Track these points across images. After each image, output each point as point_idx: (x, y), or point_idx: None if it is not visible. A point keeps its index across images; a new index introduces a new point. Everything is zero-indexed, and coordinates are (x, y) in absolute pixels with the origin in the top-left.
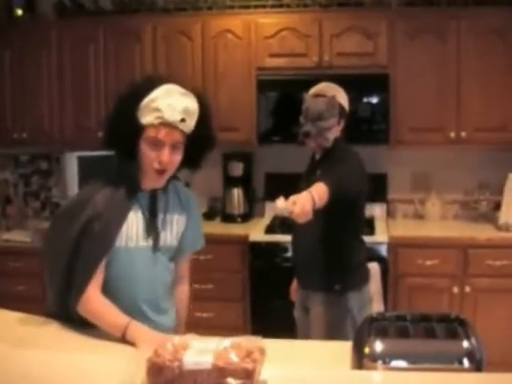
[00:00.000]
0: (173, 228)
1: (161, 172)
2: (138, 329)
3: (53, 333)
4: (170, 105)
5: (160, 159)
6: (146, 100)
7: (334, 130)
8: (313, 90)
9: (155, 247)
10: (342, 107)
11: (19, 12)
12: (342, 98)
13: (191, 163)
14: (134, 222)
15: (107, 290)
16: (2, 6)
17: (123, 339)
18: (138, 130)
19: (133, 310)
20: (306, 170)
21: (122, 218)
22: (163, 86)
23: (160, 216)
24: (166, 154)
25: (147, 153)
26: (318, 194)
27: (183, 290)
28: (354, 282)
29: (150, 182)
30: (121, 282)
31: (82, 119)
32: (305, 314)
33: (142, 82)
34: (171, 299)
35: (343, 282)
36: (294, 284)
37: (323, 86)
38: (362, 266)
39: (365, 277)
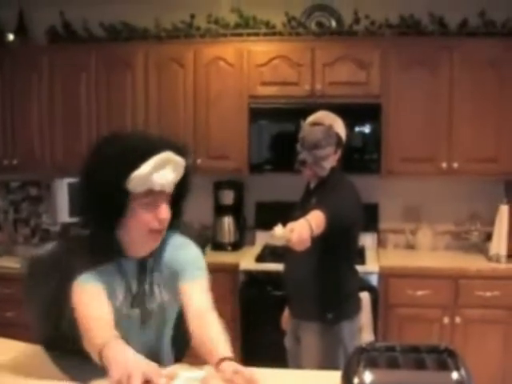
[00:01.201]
0: (159, 294)
1: (159, 231)
2: (112, 351)
3: (41, 360)
4: (163, 177)
5: (159, 217)
6: (138, 173)
7: (331, 159)
8: (310, 119)
9: (143, 319)
10: (339, 137)
11: (10, 37)
12: (340, 127)
13: (176, 213)
14: (118, 290)
15: None
16: None
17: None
18: (126, 200)
19: None
20: (301, 199)
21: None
22: (154, 160)
23: (146, 285)
24: (164, 210)
25: (143, 216)
26: (314, 221)
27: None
28: (347, 311)
29: (142, 247)
30: None
31: (73, 146)
32: (296, 344)
33: (128, 154)
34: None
35: (336, 311)
36: (286, 313)
37: (321, 115)
38: (355, 295)
39: (357, 306)
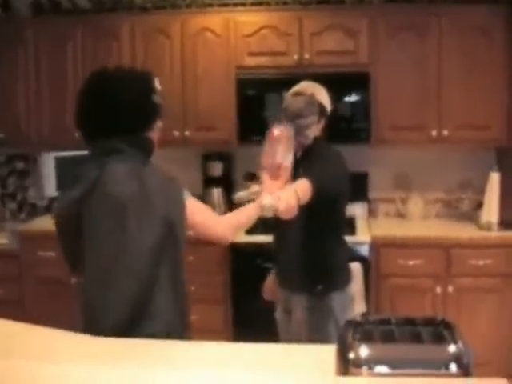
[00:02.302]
0: None
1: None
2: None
3: (38, 340)
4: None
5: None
6: (157, 87)
7: (314, 128)
8: (292, 89)
9: None
10: (321, 105)
11: None
12: (323, 96)
13: None
14: None
15: None
16: None
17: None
18: (156, 107)
19: None
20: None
21: None
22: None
23: None
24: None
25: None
26: (301, 190)
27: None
28: (337, 282)
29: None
30: None
31: (59, 119)
32: (287, 316)
33: (151, 77)
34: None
35: (325, 283)
36: (268, 282)
37: (303, 85)
38: (345, 265)
39: (347, 277)
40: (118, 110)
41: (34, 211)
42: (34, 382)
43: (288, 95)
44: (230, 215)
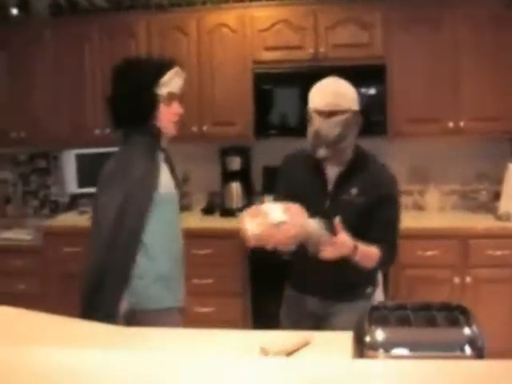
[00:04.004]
0: None
1: (178, 122)
2: None
3: (56, 328)
4: (178, 82)
5: (177, 111)
6: (165, 79)
7: (353, 140)
8: (321, 104)
9: (181, 194)
10: (357, 113)
11: (14, 11)
12: (354, 98)
13: None
14: (165, 172)
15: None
16: None
17: None
18: (157, 99)
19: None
20: (320, 186)
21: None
22: (175, 69)
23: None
24: (179, 107)
25: (166, 111)
26: (364, 254)
27: None
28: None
29: (166, 137)
30: (171, 227)
31: (79, 117)
32: (317, 322)
33: (159, 68)
34: None
35: (373, 285)
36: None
37: (332, 93)
38: None
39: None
40: (115, 103)
41: (56, 208)
42: (56, 367)
43: (316, 113)
44: None
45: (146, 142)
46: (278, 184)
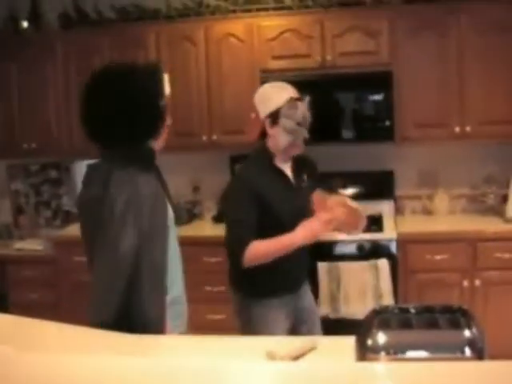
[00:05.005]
0: None
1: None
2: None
3: (63, 336)
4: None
5: (169, 123)
6: (165, 89)
7: None
8: (293, 93)
9: (176, 211)
10: None
11: (24, 24)
12: None
13: None
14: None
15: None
16: (7, 18)
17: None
18: (163, 112)
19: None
20: (285, 182)
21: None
22: (165, 76)
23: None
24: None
25: (166, 122)
26: None
27: None
28: None
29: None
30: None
31: (83, 129)
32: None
33: (158, 76)
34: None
35: None
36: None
37: (291, 88)
38: None
39: None
40: (111, 117)
41: (68, 218)
42: (71, 374)
43: (299, 101)
44: None
45: (143, 161)
46: (246, 209)
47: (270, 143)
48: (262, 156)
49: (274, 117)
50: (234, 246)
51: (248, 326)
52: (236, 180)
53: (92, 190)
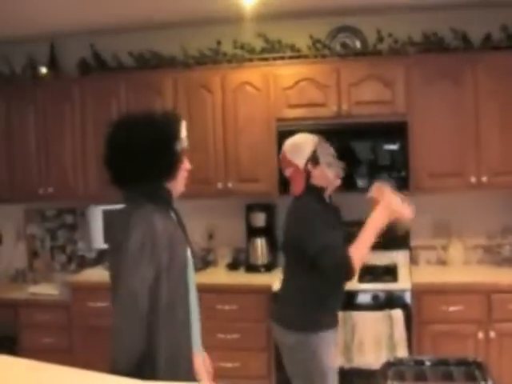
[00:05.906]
0: None
1: (187, 179)
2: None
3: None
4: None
5: (188, 168)
6: (182, 134)
7: None
8: (314, 137)
9: (194, 256)
10: None
11: (43, 70)
12: None
13: None
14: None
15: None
16: (27, 64)
17: None
18: (180, 156)
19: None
20: (331, 217)
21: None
22: (182, 123)
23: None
24: (188, 162)
25: (185, 166)
26: None
27: None
28: None
29: (177, 193)
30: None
31: (106, 173)
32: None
33: (175, 122)
34: None
35: None
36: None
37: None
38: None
39: None
40: (130, 159)
41: (83, 263)
42: None
43: (322, 140)
44: None
45: (159, 200)
46: (325, 232)
47: (317, 182)
48: (316, 193)
49: (314, 158)
50: (339, 265)
51: (312, 359)
52: (306, 213)
53: (114, 232)
